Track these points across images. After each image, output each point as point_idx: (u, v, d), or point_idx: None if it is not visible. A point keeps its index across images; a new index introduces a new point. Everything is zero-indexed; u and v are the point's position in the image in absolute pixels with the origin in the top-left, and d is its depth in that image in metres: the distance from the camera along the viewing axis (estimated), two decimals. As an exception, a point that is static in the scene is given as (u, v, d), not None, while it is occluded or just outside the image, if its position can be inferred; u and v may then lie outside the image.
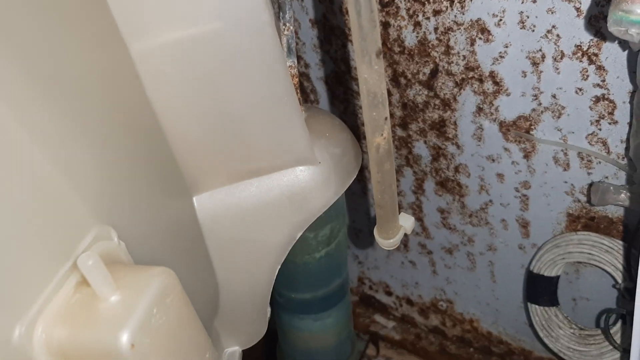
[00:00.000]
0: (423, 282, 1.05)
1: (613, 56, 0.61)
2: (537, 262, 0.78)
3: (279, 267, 0.58)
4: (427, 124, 0.81)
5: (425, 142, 0.83)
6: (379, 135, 0.41)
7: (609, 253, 0.71)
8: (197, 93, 0.48)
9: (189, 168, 0.53)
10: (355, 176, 0.59)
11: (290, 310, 0.69)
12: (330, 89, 0.87)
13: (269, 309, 0.61)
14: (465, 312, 1.03)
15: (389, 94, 0.82)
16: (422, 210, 0.93)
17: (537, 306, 0.79)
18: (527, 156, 0.75)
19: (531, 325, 0.83)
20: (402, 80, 0.78)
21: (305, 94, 0.91)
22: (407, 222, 0.50)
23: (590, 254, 0.73)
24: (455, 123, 0.78)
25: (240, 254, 0.57)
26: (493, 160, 0.78)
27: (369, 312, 1.16)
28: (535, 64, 0.67)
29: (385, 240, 0.50)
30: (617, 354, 0.72)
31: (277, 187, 0.55)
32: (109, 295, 0.37)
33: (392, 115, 0.84)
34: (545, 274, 0.77)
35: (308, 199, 0.56)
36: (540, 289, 0.78)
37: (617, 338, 0.71)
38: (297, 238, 0.57)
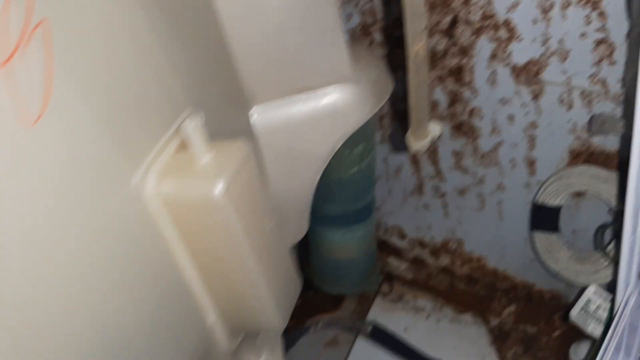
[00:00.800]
0: (435, 224, 1.14)
1: (613, 2, 0.71)
2: (542, 194, 0.87)
3: (319, 175, 0.68)
4: (446, 71, 0.90)
5: (442, 88, 0.93)
6: (419, 42, 0.50)
7: (605, 183, 0.81)
8: (259, 16, 0.58)
9: (249, 81, 0.62)
10: (386, 99, 0.68)
11: (323, 223, 0.79)
12: (357, 41, 0.97)
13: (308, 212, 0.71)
14: (473, 251, 1.13)
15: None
16: (438, 155, 1.03)
17: (540, 233, 0.89)
18: (535, 98, 0.85)
19: (535, 252, 0.93)
20: (425, 30, 0.88)
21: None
22: (435, 128, 0.60)
23: (589, 184, 0.82)
24: (471, 69, 0.88)
25: (288, 162, 0.67)
26: (505, 103, 0.88)
27: (383, 256, 1.26)
28: (544, 11, 0.76)
29: (416, 143, 0.60)
30: (610, 270, 0.82)
31: (323, 101, 0.64)
32: (204, 155, 0.47)
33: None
34: (549, 203, 0.87)
35: (348, 113, 0.65)
36: (544, 218, 0.88)
37: (610, 252, 0.81)
38: (336, 149, 0.66)
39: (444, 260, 1.19)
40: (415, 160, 1.06)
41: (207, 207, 0.46)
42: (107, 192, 0.42)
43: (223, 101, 0.59)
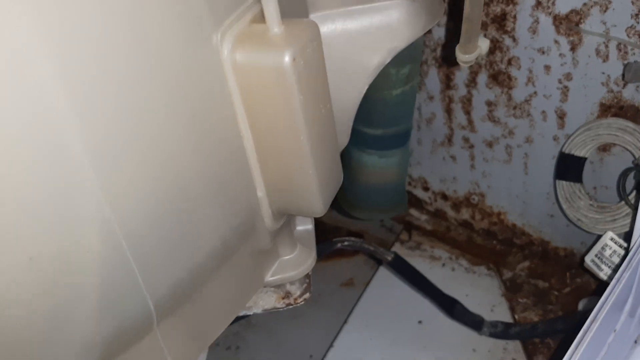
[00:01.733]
0: (460, 176, 1.18)
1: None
2: (569, 144, 0.91)
3: (366, 87, 0.71)
4: (490, 17, 0.94)
5: (485, 35, 0.96)
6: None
7: (632, 135, 0.84)
8: None
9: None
10: (438, 20, 0.72)
11: (360, 145, 0.83)
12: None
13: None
14: (494, 205, 1.16)
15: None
16: (471, 104, 1.06)
17: (564, 182, 0.92)
18: (573, 48, 0.88)
19: (557, 201, 0.97)
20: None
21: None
22: (483, 43, 0.64)
23: (616, 135, 0.85)
24: (515, 17, 0.91)
25: (338, 70, 0.70)
26: (543, 52, 0.91)
27: (405, 207, 1.29)
28: (593, -41, 0.79)
29: (464, 56, 0.63)
30: (628, 220, 0.86)
31: (378, 14, 0.68)
32: (276, 27, 0.50)
33: (458, 8, 0.96)
34: (575, 153, 0.90)
35: (401, 28, 0.69)
36: (569, 167, 0.91)
37: (631, 199, 0.85)
38: (385, 63, 0.70)
39: (465, 214, 1.22)
40: (449, 109, 1.09)
41: (273, 74, 0.50)
42: (193, 44, 0.46)
43: (289, 5, 0.62)
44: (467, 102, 1.06)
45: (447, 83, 1.06)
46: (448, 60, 1.02)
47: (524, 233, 1.14)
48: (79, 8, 0.36)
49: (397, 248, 1.23)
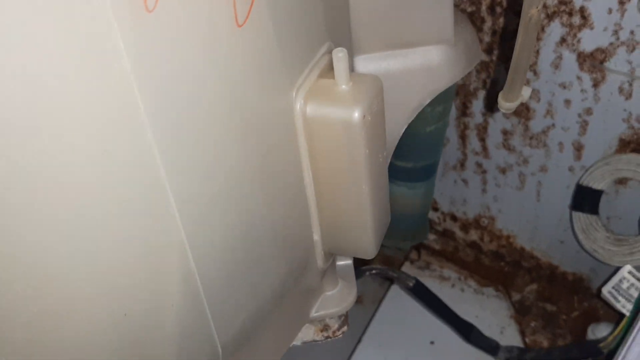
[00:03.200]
0: (471, 199, 1.20)
1: (690, 1, 0.76)
2: (587, 177, 0.94)
3: (406, 126, 0.73)
4: (511, 51, 0.96)
5: (505, 67, 0.98)
6: (535, 7, 0.56)
7: (651, 170, 0.87)
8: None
9: (358, 31, 0.68)
10: (475, 64, 0.74)
11: (391, 176, 0.85)
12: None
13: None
14: (504, 229, 1.19)
15: (483, 21, 0.96)
16: (487, 131, 1.08)
17: (581, 213, 0.95)
18: (595, 85, 0.91)
19: (573, 232, 1.00)
20: (498, 9, 0.93)
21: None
22: (526, 92, 0.66)
23: (635, 170, 0.89)
24: (537, 51, 0.93)
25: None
26: (565, 87, 0.94)
27: (413, 226, 1.32)
28: (621, 2, 0.82)
29: (507, 103, 0.65)
30: (646, 253, 0.89)
31: (420, 58, 0.70)
32: (345, 83, 0.52)
33: (480, 40, 0.99)
34: (593, 186, 0.93)
35: (440, 73, 0.71)
36: (586, 199, 0.94)
37: (651, 234, 0.88)
38: (425, 103, 0.72)
39: (473, 235, 1.25)
40: (463, 135, 1.11)
41: (342, 129, 0.51)
42: (273, 98, 0.47)
43: (342, 44, 0.64)
44: (482, 129, 1.08)
45: (464, 110, 1.08)
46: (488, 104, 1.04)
47: (533, 256, 1.17)
48: (180, 59, 0.37)
49: (407, 267, 1.25)
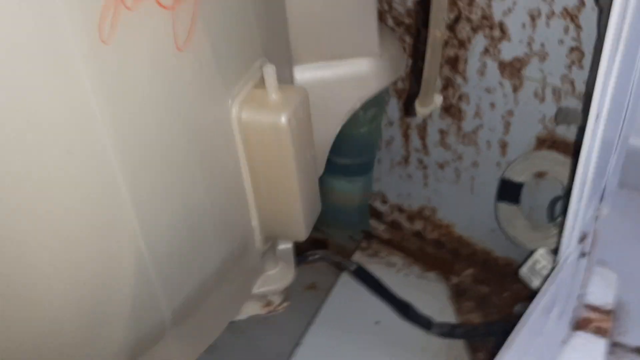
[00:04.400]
0: (414, 193, 1.32)
1: (587, 17, 0.88)
2: (509, 171, 1.05)
3: (339, 128, 0.84)
4: (445, 59, 1.07)
5: (440, 73, 1.09)
6: (438, 30, 0.67)
7: (563, 166, 0.99)
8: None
9: (297, 44, 0.78)
10: (399, 75, 0.85)
11: (331, 172, 0.95)
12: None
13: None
14: (444, 219, 1.30)
15: (419, 33, 1.07)
16: (426, 131, 1.19)
17: (504, 204, 1.07)
18: (515, 90, 1.02)
19: (497, 220, 1.11)
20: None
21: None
22: (438, 99, 0.77)
23: (550, 166, 1.00)
24: (466, 60, 1.04)
25: (316, 114, 0.83)
26: (489, 92, 1.05)
27: (364, 217, 1.42)
28: (533, 19, 0.93)
29: (422, 108, 0.76)
30: (555, 239, 1.01)
31: (351, 68, 0.80)
32: (274, 94, 0.62)
33: (417, 49, 1.10)
34: (514, 179, 1.05)
35: (369, 81, 0.82)
36: (509, 191, 1.06)
37: (558, 222, 1.00)
38: (356, 108, 0.83)
39: (418, 225, 1.36)
40: (406, 134, 1.22)
41: (272, 132, 0.62)
42: (211, 106, 0.57)
43: (279, 58, 0.74)
44: (422, 129, 1.20)
45: (405, 111, 1.19)
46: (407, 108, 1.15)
47: (470, 244, 1.29)
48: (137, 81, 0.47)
49: (358, 255, 1.36)
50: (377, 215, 1.42)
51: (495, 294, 1.25)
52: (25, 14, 0.39)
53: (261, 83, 0.63)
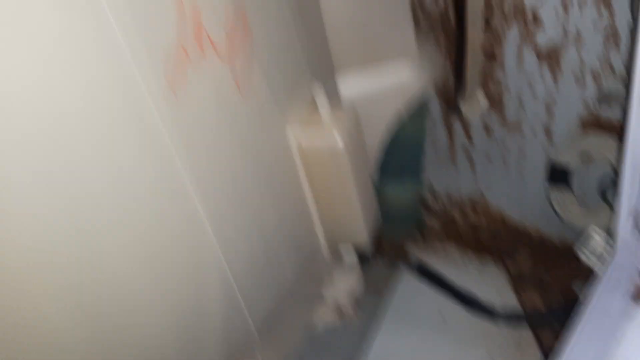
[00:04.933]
0: (464, 185, 1.34)
1: (620, 1, 0.90)
2: (557, 155, 1.07)
3: (386, 134, 0.88)
4: (483, 54, 1.10)
5: (480, 71, 1.12)
6: (475, 32, 0.70)
7: (609, 146, 1.01)
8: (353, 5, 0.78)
9: (335, 52, 0.82)
10: (437, 75, 0.88)
11: (382, 174, 0.99)
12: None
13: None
14: (496, 209, 1.33)
15: (454, 33, 1.10)
16: (470, 124, 1.22)
17: (554, 187, 1.09)
18: (554, 76, 1.04)
19: (550, 205, 1.13)
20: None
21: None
22: (482, 101, 0.80)
23: (596, 146, 1.02)
24: (503, 52, 1.07)
25: (367, 124, 0.87)
26: (528, 81, 1.07)
27: (416, 213, 1.45)
28: (565, 6, 0.95)
29: (470, 111, 0.80)
30: (610, 219, 1.02)
31: (393, 76, 0.84)
32: (327, 116, 0.67)
33: (453, 49, 1.13)
34: (562, 162, 1.07)
35: (410, 84, 0.85)
36: (558, 174, 1.08)
37: (611, 201, 1.02)
38: (401, 112, 0.86)
39: (470, 216, 1.39)
40: (450, 130, 1.25)
41: (331, 155, 0.66)
42: (272, 135, 0.62)
43: (323, 69, 0.78)
44: (466, 124, 1.22)
45: (451, 111, 1.22)
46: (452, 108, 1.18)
47: (525, 231, 1.31)
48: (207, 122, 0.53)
49: (415, 251, 1.39)
50: (430, 210, 1.45)
51: (553, 274, 1.27)
52: (104, 73, 0.44)
53: (311, 100, 0.68)
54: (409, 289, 1.31)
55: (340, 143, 0.59)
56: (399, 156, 0.97)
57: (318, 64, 0.73)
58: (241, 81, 0.52)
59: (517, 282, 1.28)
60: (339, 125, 0.62)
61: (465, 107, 0.77)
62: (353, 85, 0.83)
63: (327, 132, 0.62)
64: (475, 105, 0.76)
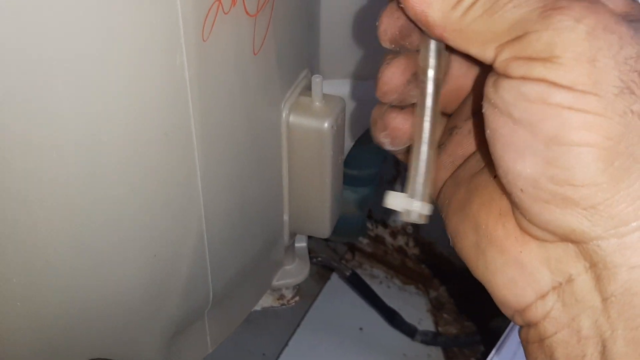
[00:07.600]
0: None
1: None
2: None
3: (353, 142, 0.92)
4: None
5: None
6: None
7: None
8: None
9: (324, 60, 0.86)
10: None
11: (340, 181, 1.03)
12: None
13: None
14: (426, 237, 1.39)
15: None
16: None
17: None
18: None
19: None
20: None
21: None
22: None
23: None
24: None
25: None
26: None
27: (348, 231, 1.50)
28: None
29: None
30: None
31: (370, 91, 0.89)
32: (319, 101, 0.70)
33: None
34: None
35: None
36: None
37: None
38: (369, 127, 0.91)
39: (400, 241, 1.45)
40: (395, 157, 1.31)
41: (316, 135, 0.69)
42: (271, 107, 0.65)
43: (313, 70, 0.82)
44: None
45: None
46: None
47: (449, 261, 1.38)
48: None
49: (342, 266, 1.43)
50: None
51: (473, 308, 1.34)
52: (151, 8, 0.46)
53: (306, 91, 0.71)
54: (331, 295, 1.35)
55: (326, 124, 0.63)
56: (359, 165, 1.01)
57: (309, 60, 0.76)
58: (257, 39, 0.55)
59: (436, 309, 1.34)
60: (329, 110, 0.65)
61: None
62: (332, 90, 0.87)
63: (316, 113, 0.65)
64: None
